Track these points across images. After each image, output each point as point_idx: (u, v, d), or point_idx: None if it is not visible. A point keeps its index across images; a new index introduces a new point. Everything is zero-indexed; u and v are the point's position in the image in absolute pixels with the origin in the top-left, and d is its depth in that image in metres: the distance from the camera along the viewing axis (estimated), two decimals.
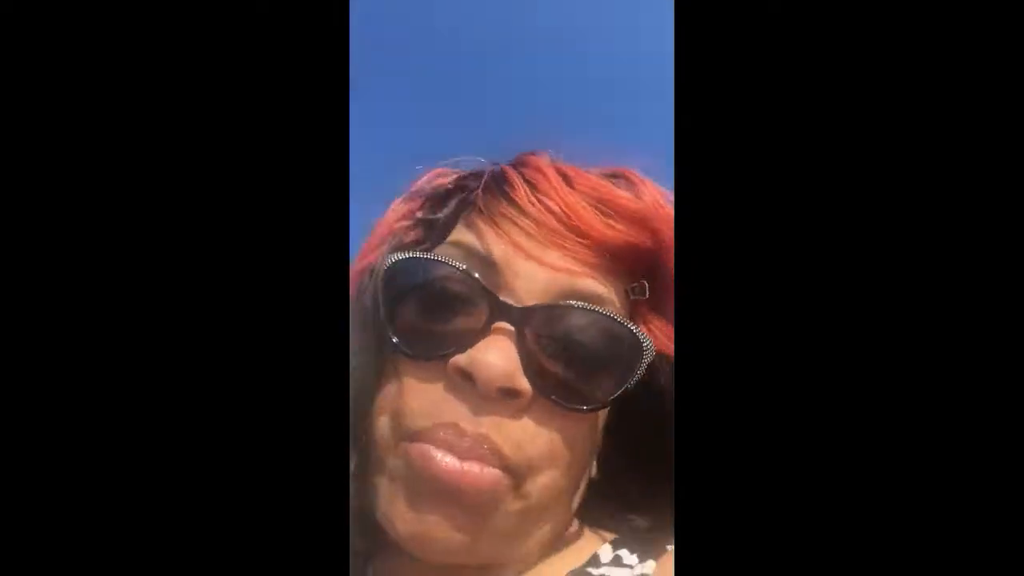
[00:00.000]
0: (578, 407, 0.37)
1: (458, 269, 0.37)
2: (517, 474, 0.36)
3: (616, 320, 0.37)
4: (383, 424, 0.38)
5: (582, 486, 0.41)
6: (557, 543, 0.41)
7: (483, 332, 0.36)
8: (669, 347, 0.39)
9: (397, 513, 0.36)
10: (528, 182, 0.39)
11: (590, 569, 0.39)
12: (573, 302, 0.37)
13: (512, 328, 0.36)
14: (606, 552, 0.40)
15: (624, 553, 0.40)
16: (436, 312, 0.37)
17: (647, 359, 0.38)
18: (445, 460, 0.34)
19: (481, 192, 0.39)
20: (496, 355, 0.35)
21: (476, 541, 0.36)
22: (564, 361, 0.37)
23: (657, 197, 0.41)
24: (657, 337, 0.39)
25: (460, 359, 0.35)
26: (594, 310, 0.37)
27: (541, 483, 0.37)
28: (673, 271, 0.39)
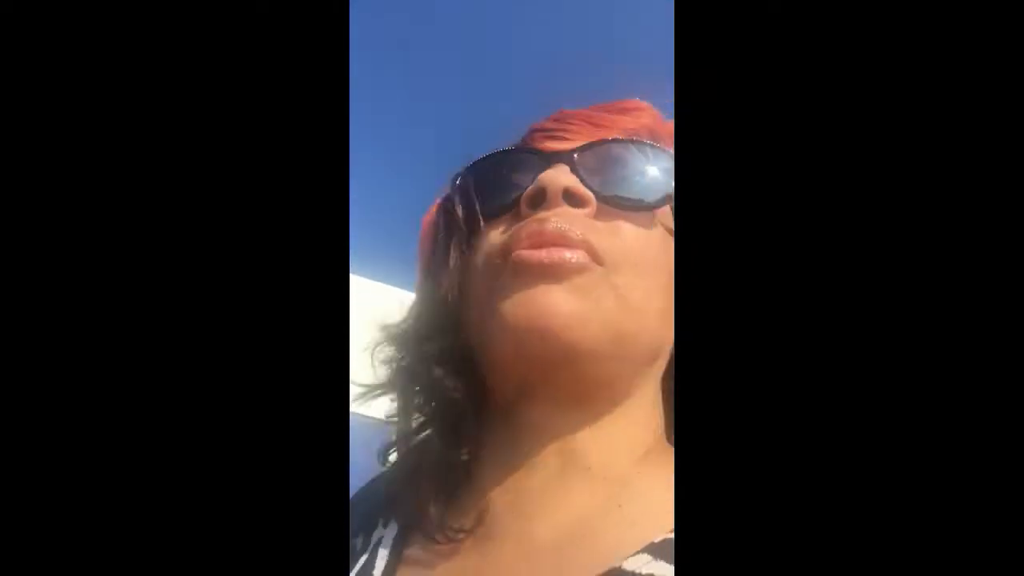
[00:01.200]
0: (638, 202, 0.43)
1: (511, 149, 0.47)
2: (600, 259, 0.41)
3: (646, 143, 0.45)
4: (481, 286, 0.44)
5: (670, 327, 0.44)
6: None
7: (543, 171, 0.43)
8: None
9: (506, 312, 0.40)
10: (553, 119, 0.48)
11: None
12: (606, 138, 0.45)
13: (565, 164, 0.43)
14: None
15: None
16: (506, 180, 0.45)
17: (661, 162, 0.45)
18: (538, 253, 0.40)
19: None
20: (557, 173, 0.42)
21: (585, 317, 0.40)
22: (615, 174, 0.44)
23: (658, 116, 0.49)
24: None
25: (533, 184, 0.43)
26: (624, 139, 0.45)
27: (630, 278, 0.42)
28: None
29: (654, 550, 0.35)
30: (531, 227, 0.41)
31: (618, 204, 0.43)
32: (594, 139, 0.45)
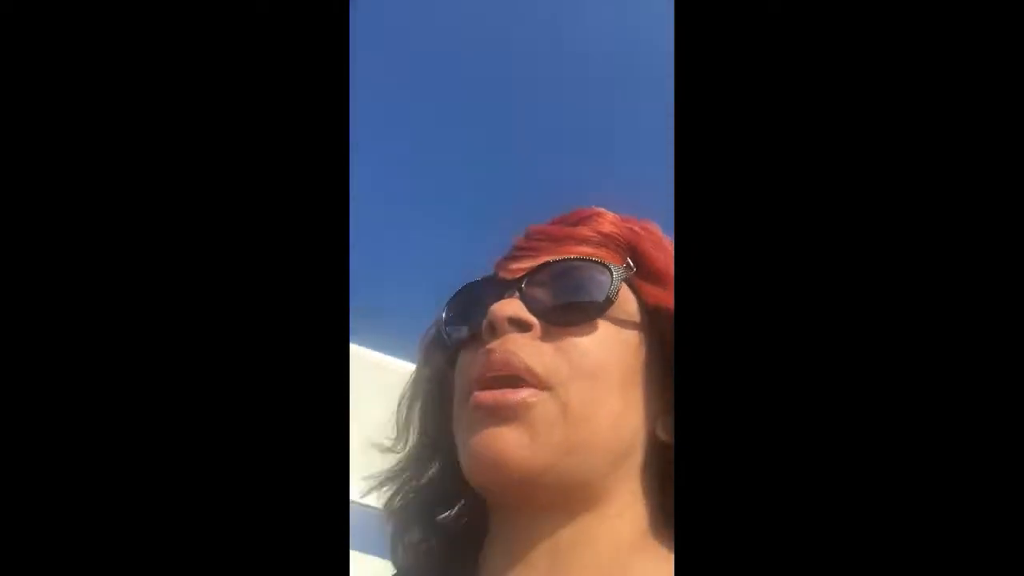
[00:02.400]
0: (581, 315, 0.47)
1: (477, 280, 0.52)
2: (548, 385, 0.45)
3: (585, 260, 0.49)
4: (458, 403, 0.49)
5: (622, 437, 0.47)
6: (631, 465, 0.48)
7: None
8: (664, 302, 0.49)
9: (469, 451, 0.45)
10: (525, 236, 0.53)
11: None
12: (550, 259, 0.49)
13: (515, 291, 0.48)
14: None
15: None
16: (471, 310, 0.51)
17: (617, 279, 0.48)
18: (488, 396, 0.45)
19: (496, 264, 0.53)
20: (505, 304, 0.47)
21: (534, 452, 0.43)
22: (556, 297, 0.48)
23: (616, 218, 0.53)
24: (652, 297, 0.49)
25: (486, 317, 0.47)
26: (566, 259, 0.49)
27: (575, 391, 0.45)
28: (653, 252, 0.50)
29: None
30: (480, 359, 0.47)
31: (561, 321, 0.47)
32: (551, 256, 0.50)
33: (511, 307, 0.47)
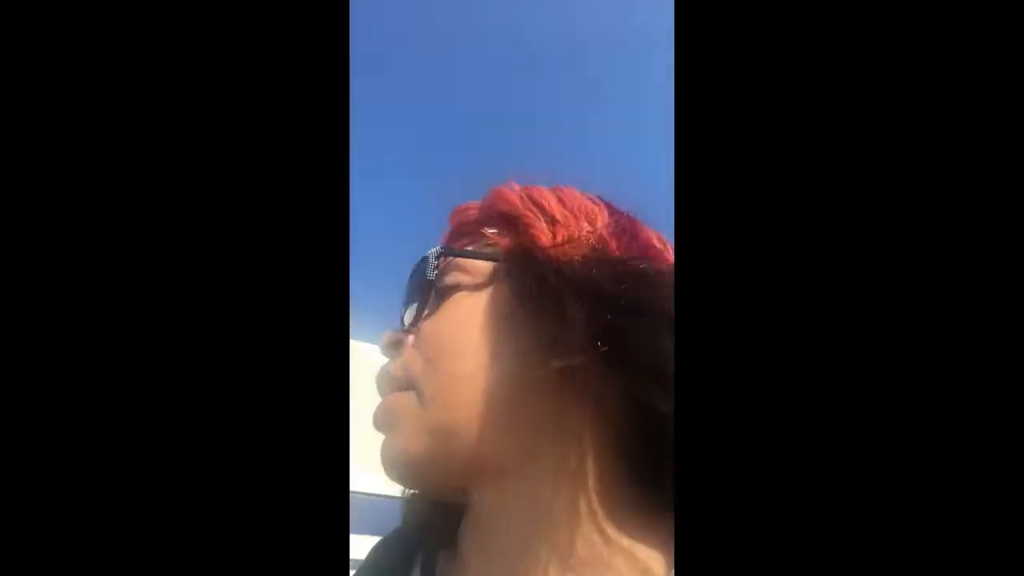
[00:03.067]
0: (417, 320, 0.50)
1: None
2: (408, 384, 0.47)
3: (423, 258, 0.51)
4: None
5: (510, 367, 0.45)
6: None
7: None
8: (509, 242, 0.49)
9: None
10: None
11: None
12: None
13: (400, 324, 0.53)
14: None
15: None
16: None
17: (433, 258, 0.49)
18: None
19: None
20: (384, 334, 0.51)
21: (404, 446, 0.45)
22: (412, 305, 0.50)
23: (467, 206, 0.54)
24: (505, 239, 0.50)
25: None
26: (414, 271, 0.52)
27: (430, 377, 0.46)
28: (503, 206, 0.51)
29: None
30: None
31: (411, 326, 0.49)
32: None
33: (386, 336, 0.51)
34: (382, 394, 0.49)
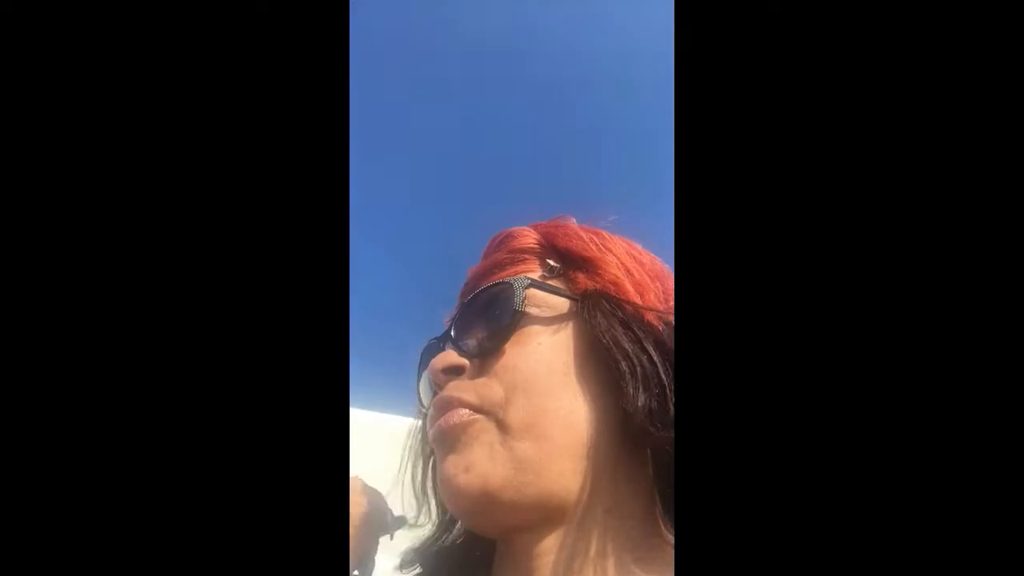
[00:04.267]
0: (492, 343, 0.49)
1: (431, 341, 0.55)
2: (485, 410, 0.46)
3: (491, 285, 0.50)
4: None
5: (591, 411, 0.47)
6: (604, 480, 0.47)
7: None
8: (594, 285, 0.50)
9: (438, 483, 0.48)
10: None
11: None
12: (464, 300, 0.51)
13: (447, 342, 0.52)
14: None
15: None
16: (425, 369, 0.53)
17: (519, 289, 0.49)
18: (432, 429, 0.48)
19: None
20: (440, 356, 0.50)
21: (481, 473, 0.44)
22: (475, 331, 0.50)
23: (524, 231, 0.55)
24: (582, 282, 0.50)
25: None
26: (475, 293, 0.51)
27: (512, 409, 0.46)
28: (571, 243, 0.52)
29: None
30: (433, 408, 0.50)
31: (485, 352, 0.49)
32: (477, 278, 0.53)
33: (443, 358, 0.49)
34: (437, 417, 0.48)
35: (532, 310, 0.49)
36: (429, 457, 0.57)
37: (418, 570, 0.55)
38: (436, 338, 0.54)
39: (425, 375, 0.53)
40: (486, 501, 0.44)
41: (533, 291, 0.49)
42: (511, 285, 0.49)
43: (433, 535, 0.56)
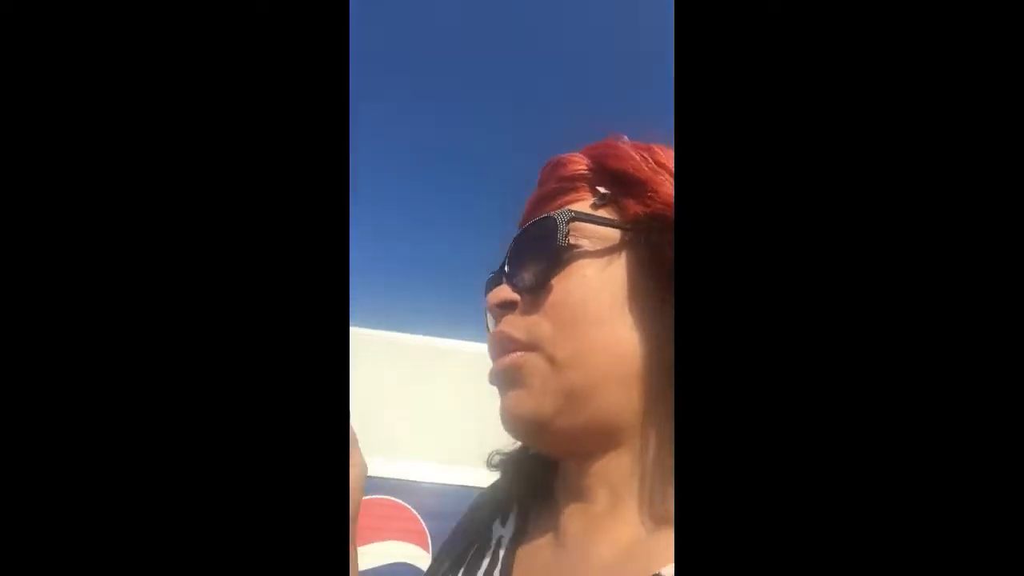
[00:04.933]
0: (536, 284, 0.50)
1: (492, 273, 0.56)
2: (534, 347, 0.48)
3: (536, 220, 0.51)
4: None
5: (641, 339, 0.48)
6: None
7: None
8: (648, 209, 0.49)
9: (500, 414, 0.51)
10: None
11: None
12: (517, 233, 0.52)
13: (502, 277, 0.52)
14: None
15: None
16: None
17: (562, 223, 0.49)
18: (490, 370, 0.51)
19: None
20: (495, 291, 0.52)
21: (534, 404, 0.48)
22: (523, 267, 0.51)
23: (576, 158, 0.55)
24: (634, 207, 0.50)
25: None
26: (522, 229, 0.51)
27: (560, 342, 0.48)
28: (624, 165, 0.51)
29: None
30: (489, 346, 0.52)
31: (535, 286, 0.50)
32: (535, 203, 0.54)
33: (497, 293, 0.51)
34: (498, 353, 0.50)
35: (580, 242, 0.49)
36: None
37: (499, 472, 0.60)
38: (495, 271, 0.56)
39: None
40: (539, 430, 0.48)
41: (578, 224, 0.49)
42: (554, 220, 0.49)
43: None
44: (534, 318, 0.49)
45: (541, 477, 0.56)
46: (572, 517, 0.50)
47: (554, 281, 0.49)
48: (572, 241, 0.49)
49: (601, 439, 0.48)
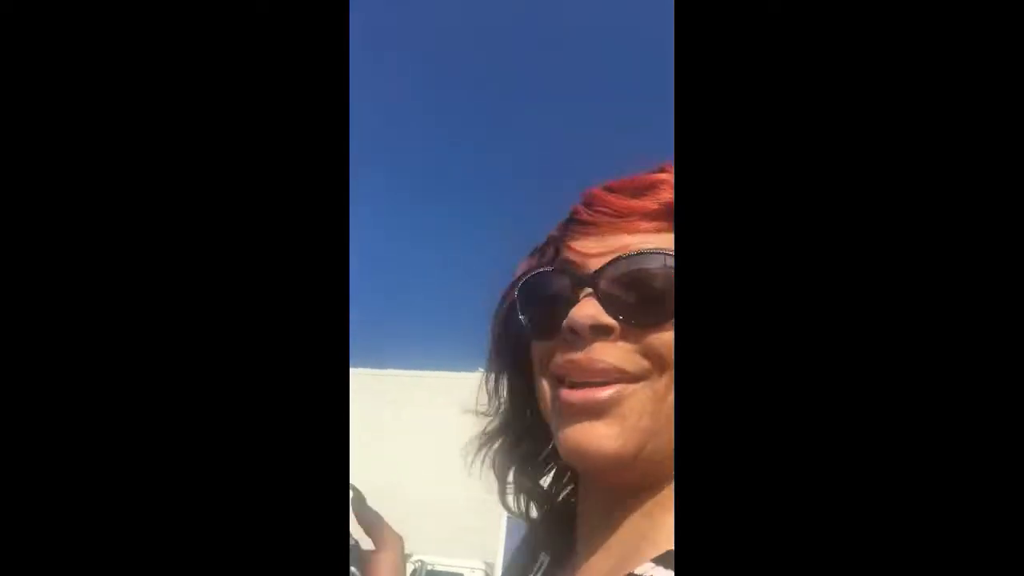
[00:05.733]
0: (652, 323, 0.48)
1: (550, 270, 0.53)
2: (638, 378, 0.48)
3: (656, 252, 0.49)
4: (543, 386, 0.53)
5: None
6: None
7: (575, 301, 0.50)
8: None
9: (567, 445, 0.49)
10: (585, 204, 0.54)
11: None
12: (623, 255, 0.50)
13: (591, 289, 0.49)
14: None
15: None
16: (546, 302, 0.52)
17: (671, 272, 0.48)
18: (575, 395, 0.49)
19: (560, 229, 0.56)
20: (584, 307, 0.49)
21: (624, 440, 0.47)
22: (632, 294, 0.49)
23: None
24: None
25: (565, 322, 0.49)
26: (639, 252, 0.50)
27: (664, 380, 0.48)
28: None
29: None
30: (565, 363, 0.50)
31: (641, 322, 0.49)
32: (617, 233, 0.51)
33: (591, 313, 0.48)
34: (586, 378, 0.49)
35: (665, 276, 0.49)
36: (516, 372, 0.58)
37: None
38: (547, 268, 0.54)
39: (529, 299, 0.54)
40: (620, 466, 0.48)
41: (667, 255, 0.49)
42: (658, 253, 0.48)
43: (499, 431, 0.60)
44: (639, 353, 0.48)
45: (567, 532, 0.57)
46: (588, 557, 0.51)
47: (665, 324, 0.48)
48: (660, 282, 0.48)
49: (659, 476, 0.49)
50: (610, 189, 0.53)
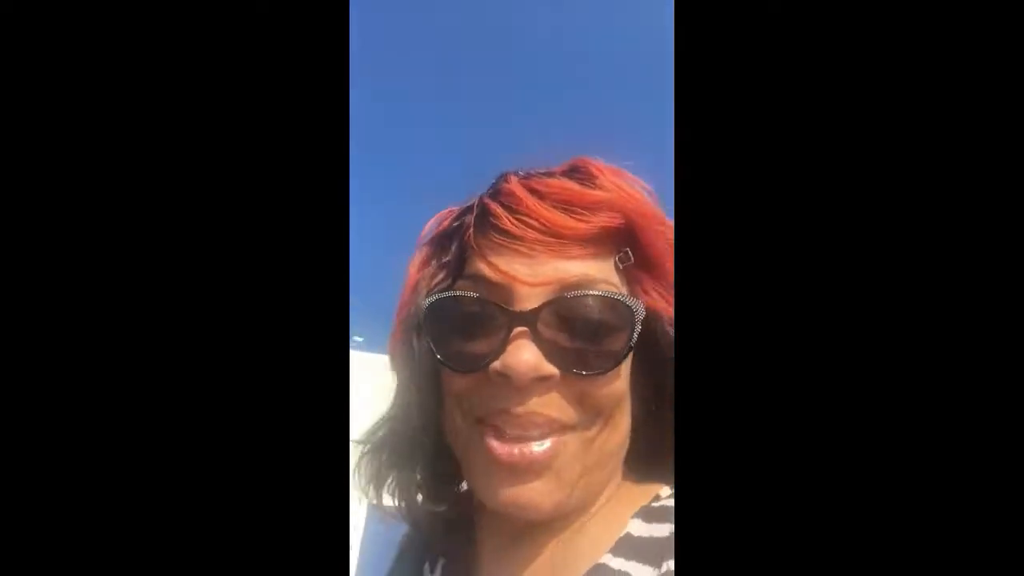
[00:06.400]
0: (597, 372, 0.45)
1: (474, 297, 0.46)
2: (569, 426, 0.45)
3: (605, 295, 0.45)
4: (456, 417, 0.49)
5: (626, 440, 0.49)
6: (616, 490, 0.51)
7: (507, 339, 0.44)
8: (662, 303, 0.47)
9: (496, 500, 0.46)
10: (506, 207, 0.47)
11: (653, 504, 0.48)
12: (566, 293, 0.44)
13: (526, 328, 0.44)
14: (666, 492, 0.49)
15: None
16: (468, 333, 0.46)
17: (639, 319, 0.45)
18: (508, 450, 0.44)
19: (472, 230, 0.48)
20: (520, 351, 0.43)
21: (561, 494, 0.45)
22: (575, 340, 0.44)
23: (614, 180, 0.48)
24: (650, 295, 0.47)
25: (496, 365, 0.44)
26: (585, 294, 0.44)
27: (596, 427, 0.46)
28: (651, 238, 0.47)
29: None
30: (501, 416, 0.45)
31: (582, 369, 0.44)
32: (552, 259, 0.45)
33: (531, 362, 0.43)
34: (522, 432, 0.45)
35: (613, 321, 0.45)
36: (420, 380, 0.50)
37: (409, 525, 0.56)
38: (467, 293, 0.46)
39: (446, 326, 0.46)
40: (550, 518, 0.46)
41: (617, 300, 0.45)
42: (632, 312, 0.44)
43: (391, 417, 0.54)
44: (574, 401, 0.45)
45: (464, 530, 0.54)
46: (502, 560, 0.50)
47: (612, 366, 0.45)
48: (610, 319, 0.44)
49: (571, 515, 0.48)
50: (534, 192, 0.46)
